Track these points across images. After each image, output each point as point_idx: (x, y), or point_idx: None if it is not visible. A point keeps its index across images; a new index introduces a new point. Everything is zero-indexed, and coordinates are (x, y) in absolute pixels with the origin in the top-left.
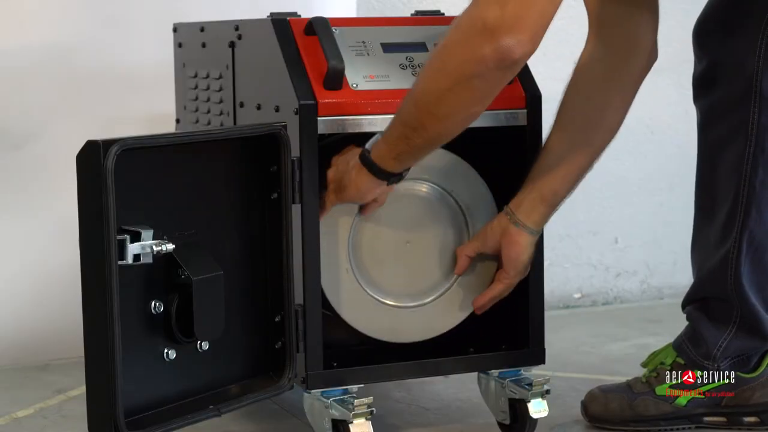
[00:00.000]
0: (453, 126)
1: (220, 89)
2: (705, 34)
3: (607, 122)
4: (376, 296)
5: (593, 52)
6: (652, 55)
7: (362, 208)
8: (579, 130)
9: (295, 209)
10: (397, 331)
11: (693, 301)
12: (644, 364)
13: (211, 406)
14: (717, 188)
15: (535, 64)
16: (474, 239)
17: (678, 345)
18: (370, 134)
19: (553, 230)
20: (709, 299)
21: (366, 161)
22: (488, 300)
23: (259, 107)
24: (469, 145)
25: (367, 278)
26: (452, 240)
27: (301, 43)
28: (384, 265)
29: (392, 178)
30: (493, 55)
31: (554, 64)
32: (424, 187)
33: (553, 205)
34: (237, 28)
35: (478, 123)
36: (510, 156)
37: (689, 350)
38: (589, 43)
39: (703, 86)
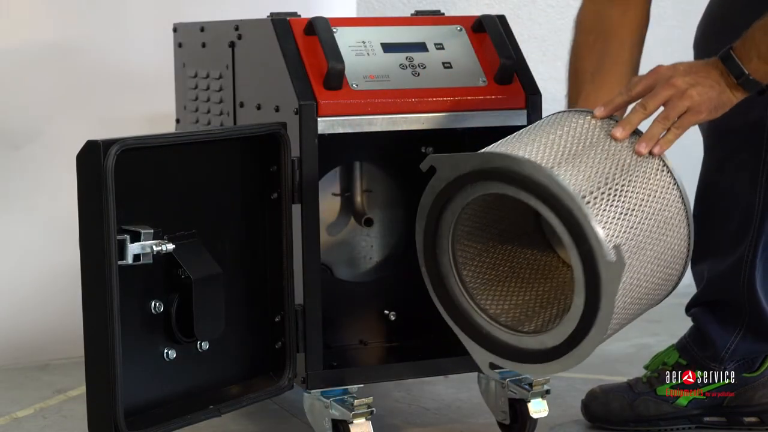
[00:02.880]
0: None
1: (220, 89)
2: (709, 40)
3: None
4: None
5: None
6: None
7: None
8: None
9: (295, 209)
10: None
11: (700, 304)
12: (646, 366)
13: (211, 406)
14: (729, 194)
15: (535, 64)
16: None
17: (682, 347)
18: (372, 134)
19: None
20: (718, 302)
21: (748, 82)
22: None
23: (259, 107)
24: (470, 146)
25: None
26: None
27: (301, 43)
28: None
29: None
30: None
31: (554, 64)
32: None
33: None
34: (237, 28)
35: (477, 123)
36: None
37: (695, 352)
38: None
39: None
